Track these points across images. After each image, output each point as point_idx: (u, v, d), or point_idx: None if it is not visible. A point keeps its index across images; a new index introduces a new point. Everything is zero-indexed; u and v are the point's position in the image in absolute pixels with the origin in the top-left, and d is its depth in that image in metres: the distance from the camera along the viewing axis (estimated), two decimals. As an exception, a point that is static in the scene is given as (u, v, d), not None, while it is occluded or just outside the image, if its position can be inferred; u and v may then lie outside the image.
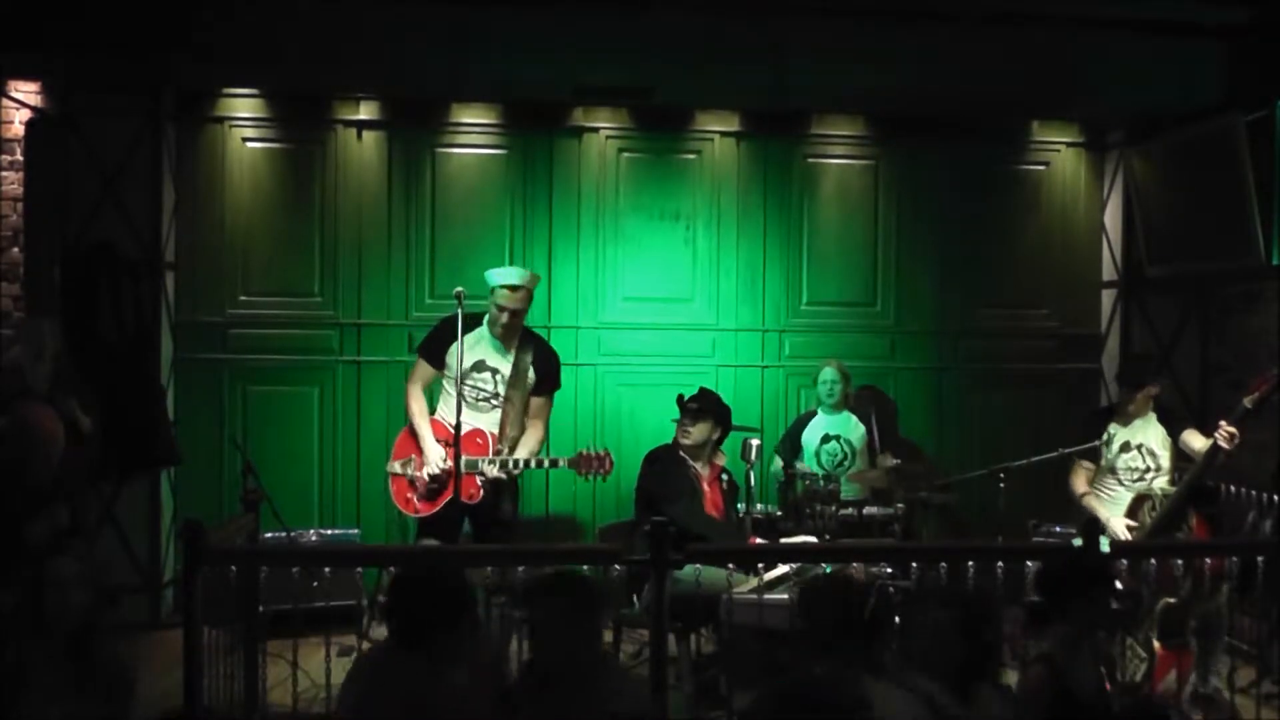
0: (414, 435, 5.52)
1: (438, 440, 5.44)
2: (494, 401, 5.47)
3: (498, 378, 5.49)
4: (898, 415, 7.12)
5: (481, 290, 5.64)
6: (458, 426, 5.25)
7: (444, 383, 5.58)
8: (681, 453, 5.53)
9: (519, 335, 5.56)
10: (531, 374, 5.55)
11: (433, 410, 5.61)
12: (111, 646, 3.68)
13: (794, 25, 5.78)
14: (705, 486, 5.53)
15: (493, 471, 5.33)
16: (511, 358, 5.51)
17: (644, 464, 5.62)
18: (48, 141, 6.29)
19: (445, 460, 5.35)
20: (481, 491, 5.37)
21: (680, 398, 5.68)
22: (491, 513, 5.39)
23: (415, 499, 5.46)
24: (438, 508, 5.39)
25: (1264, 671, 5.13)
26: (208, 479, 6.62)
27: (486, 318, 5.55)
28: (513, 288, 5.46)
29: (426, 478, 5.39)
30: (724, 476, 5.66)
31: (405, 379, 5.77)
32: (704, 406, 5.55)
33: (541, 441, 5.64)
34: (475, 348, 5.50)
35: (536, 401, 5.59)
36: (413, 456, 5.49)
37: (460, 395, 5.39)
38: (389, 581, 3.63)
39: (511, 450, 5.47)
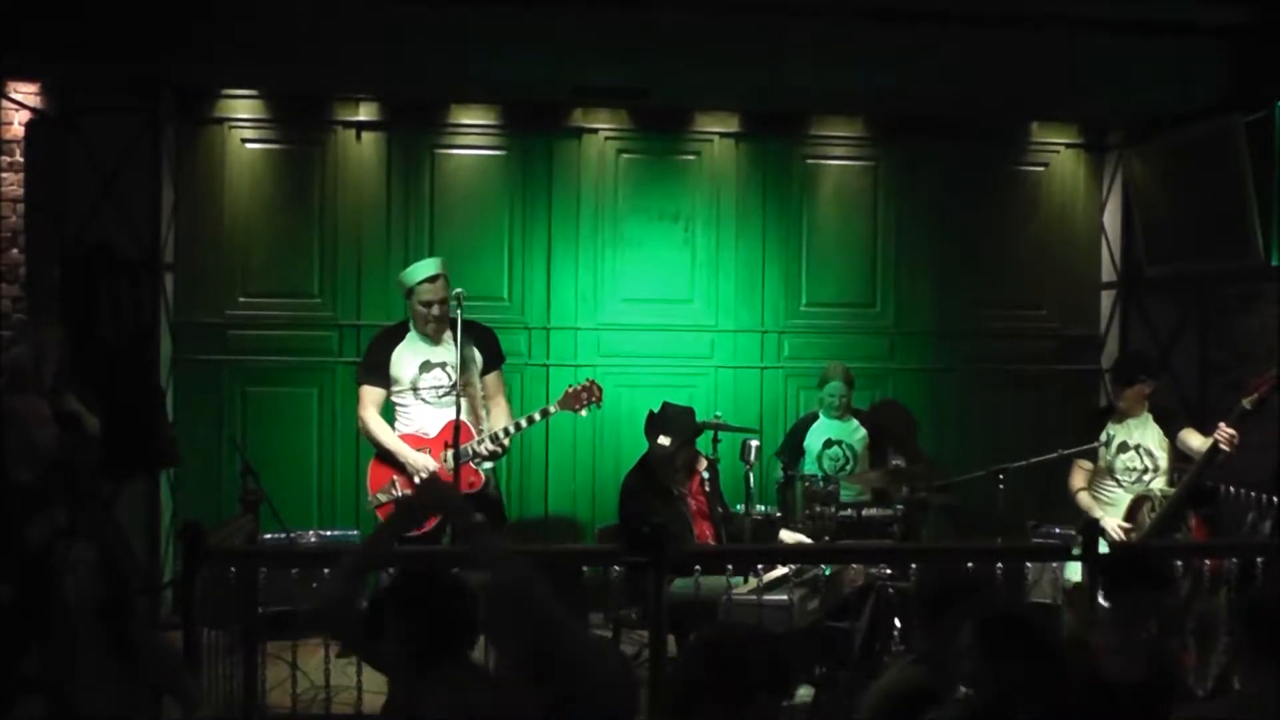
0: (385, 460, 5.47)
1: (418, 450, 5.41)
2: (456, 393, 5.37)
3: (447, 369, 5.45)
4: (916, 427, 7.09)
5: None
6: (457, 428, 5.21)
7: (395, 399, 5.55)
8: (657, 476, 5.45)
9: (448, 325, 5.49)
10: (477, 355, 5.55)
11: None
12: (150, 635, 3.64)
13: (793, 25, 5.76)
14: (690, 501, 5.50)
15: (486, 449, 5.36)
16: (452, 347, 5.42)
17: (622, 494, 5.55)
18: (47, 142, 6.29)
19: (434, 462, 5.33)
20: (483, 478, 5.40)
21: (650, 419, 5.52)
22: (478, 500, 5.32)
23: None
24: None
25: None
26: (207, 480, 6.60)
27: (412, 322, 5.54)
28: (432, 278, 5.44)
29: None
30: (705, 477, 5.61)
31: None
32: (676, 443, 5.37)
33: (510, 414, 5.64)
34: (415, 354, 5.52)
35: (490, 380, 5.62)
36: (394, 479, 5.43)
37: (423, 400, 5.44)
38: (380, 592, 3.29)
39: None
